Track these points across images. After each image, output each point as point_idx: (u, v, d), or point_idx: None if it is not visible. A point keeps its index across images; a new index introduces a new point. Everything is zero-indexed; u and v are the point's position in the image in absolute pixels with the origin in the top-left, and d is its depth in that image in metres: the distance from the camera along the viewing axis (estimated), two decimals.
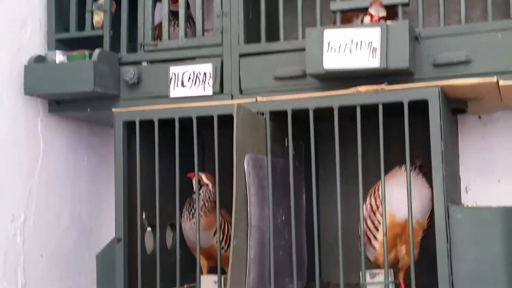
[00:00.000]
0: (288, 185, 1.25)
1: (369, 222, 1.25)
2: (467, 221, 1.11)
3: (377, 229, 1.23)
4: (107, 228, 1.62)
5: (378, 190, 1.21)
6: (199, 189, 1.42)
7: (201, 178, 1.43)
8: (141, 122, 1.35)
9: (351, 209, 1.50)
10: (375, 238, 1.24)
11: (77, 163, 1.62)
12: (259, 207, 1.21)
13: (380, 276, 1.19)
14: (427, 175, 1.20)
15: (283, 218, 1.30)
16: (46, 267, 1.50)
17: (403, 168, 1.22)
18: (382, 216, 1.16)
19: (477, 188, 1.47)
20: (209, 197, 1.42)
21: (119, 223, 1.35)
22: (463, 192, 1.48)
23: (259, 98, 1.27)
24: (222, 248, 1.38)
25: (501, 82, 1.14)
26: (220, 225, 1.35)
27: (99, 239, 1.62)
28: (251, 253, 1.17)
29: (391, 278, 1.19)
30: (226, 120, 1.24)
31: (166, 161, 1.38)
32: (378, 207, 1.22)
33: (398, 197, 1.19)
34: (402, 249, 1.25)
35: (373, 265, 1.28)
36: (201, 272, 1.40)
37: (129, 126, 1.37)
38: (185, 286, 1.50)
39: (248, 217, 1.18)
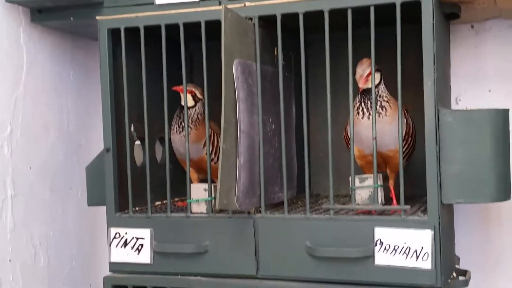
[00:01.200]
0: (278, 94, 1.24)
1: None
2: (457, 123, 1.11)
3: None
4: (96, 144, 1.62)
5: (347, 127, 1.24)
6: (195, 105, 1.40)
7: (195, 93, 1.41)
8: (127, 30, 1.32)
9: (342, 121, 1.50)
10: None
11: (62, 76, 1.60)
12: (248, 114, 1.20)
13: (369, 180, 1.20)
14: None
15: (273, 126, 1.29)
16: (35, 180, 1.50)
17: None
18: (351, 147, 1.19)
19: (467, 99, 1.46)
20: (202, 112, 1.40)
21: (107, 134, 1.34)
22: (454, 103, 1.47)
23: (248, 3, 1.24)
24: (212, 160, 1.38)
25: None
26: (210, 137, 1.35)
27: (89, 154, 1.62)
28: (240, 158, 1.17)
29: (379, 182, 1.20)
30: (214, 31, 1.21)
31: (154, 75, 1.35)
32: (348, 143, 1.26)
33: (365, 135, 1.19)
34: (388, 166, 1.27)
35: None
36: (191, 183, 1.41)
37: (114, 34, 1.34)
38: (176, 199, 1.51)
39: (237, 123, 1.17)
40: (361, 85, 1.20)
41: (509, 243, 1.44)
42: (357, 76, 1.21)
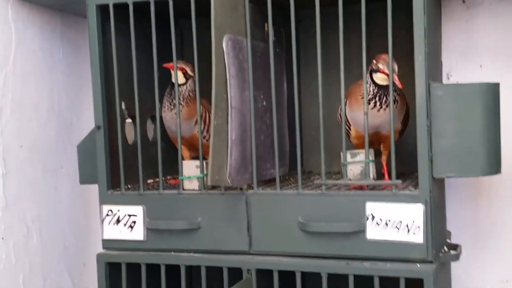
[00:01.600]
0: (269, 70, 1.23)
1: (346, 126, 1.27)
2: (447, 98, 1.11)
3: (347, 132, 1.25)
4: (88, 123, 1.61)
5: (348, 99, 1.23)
6: (186, 82, 1.39)
7: (186, 70, 1.40)
8: (115, 6, 1.30)
9: (333, 99, 1.49)
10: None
11: (52, 54, 1.58)
12: (239, 90, 1.19)
13: (361, 155, 1.20)
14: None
15: (264, 103, 1.29)
16: (26, 159, 1.49)
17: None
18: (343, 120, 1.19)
19: (458, 74, 1.46)
20: (193, 89, 1.39)
21: (97, 111, 1.33)
22: (445, 78, 1.47)
23: None
24: (204, 137, 1.38)
25: None
26: (201, 115, 1.34)
27: (80, 133, 1.61)
28: (232, 134, 1.17)
29: (371, 158, 1.20)
30: (204, 7, 1.20)
31: (144, 52, 1.35)
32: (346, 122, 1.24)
33: (359, 117, 1.20)
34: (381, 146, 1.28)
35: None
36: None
37: (102, 10, 1.32)
38: (168, 177, 1.51)
39: (228, 99, 1.16)
40: (399, 85, 1.15)
41: (500, 218, 1.45)
42: (387, 71, 1.16)
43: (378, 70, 1.18)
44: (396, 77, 1.14)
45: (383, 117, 1.19)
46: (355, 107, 1.22)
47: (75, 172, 1.61)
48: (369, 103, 1.18)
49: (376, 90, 1.19)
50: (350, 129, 1.25)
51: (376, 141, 1.26)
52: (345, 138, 1.20)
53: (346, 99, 1.24)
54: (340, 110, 1.29)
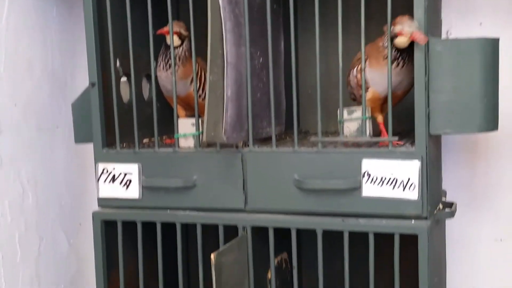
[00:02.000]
0: (266, 27, 1.21)
1: (355, 91, 1.26)
2: (446, 53, 1.09)
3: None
4: (82, 83, 1.59)
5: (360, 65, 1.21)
6: (181, 44, 1.37)
7: (180, 32, 1.38)
8: None
9: (331, 57, 1.48)
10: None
11: (46, 12, 1.56)
12: (235, 45, 1.18)
13: (357, 112, 1.19)
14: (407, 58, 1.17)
15: (261, 60, 1.27)
16: (21, 117, 1.48)
17: (385, 40, 1.17)
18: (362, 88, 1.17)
19: (458, 32, 1.44)
20: (189, 48, 1.37)
21: (92, 68, 1.32)
22: (444, 36, 1.45)
23: None
24: (199, 96, 1.37)
25: None
26: (197, 73, 1.33)
27: (75, 93, 1.59)
28: (228, 90, 1.16)
29: (368, 114, 1.19)
30: None
31: (139, 9, 1.32)
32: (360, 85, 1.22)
33: (380, 79, 1.18)
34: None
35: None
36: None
37: None
38: (164, 136, 1.50)
39: (224, 54, 1.15)
40: (423, 41, 1.10)
41: (495, 178, 1.45)
42: (406, 32, 1.12)
43: (396, 35, 1.15)
44: (418, 34, 1.09)
45: (402, 75, 1.18)
46: (376, 67, 1.19)
47: (70, 133, 1.60)
48: (392, 63, 1.16)
49: (398, 53, 1.16)
50: (366, 91, 1.22)
51: (384, 103, 1.24)
52: (342, 95, 1.18)
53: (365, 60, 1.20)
54: (351, 72, 1.26)
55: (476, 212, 1.46)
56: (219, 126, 1.15)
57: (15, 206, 1.47)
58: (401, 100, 1.25)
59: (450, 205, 1.27)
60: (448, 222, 1.44)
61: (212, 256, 1.10)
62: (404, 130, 1.37)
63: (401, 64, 1.17)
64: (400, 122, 1.35)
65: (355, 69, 1.25)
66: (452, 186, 1.45)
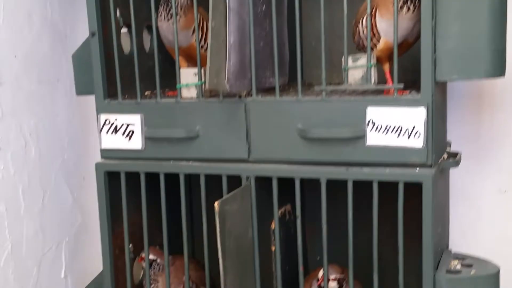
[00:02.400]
0: None
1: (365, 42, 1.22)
2: None
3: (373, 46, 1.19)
4: (83, 35, 1.56)
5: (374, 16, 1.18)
6: None
7: None
8: None
9: (335, 8, 1.45)
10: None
11: None
12: None
13: (362, 59, 1.17)
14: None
15: (264, 8, 1.25)
16: (21, 69, 1.46)
17: None
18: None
19: None
20: None
21: (92, 17, 1.29)
22: None
23: None
24: (202, 47, 1.34)
25: None
26: (199, 23, 1.30)
27: (75, 46, 1.57)
28: (230, 38, 1.14)
29: (373, 61, 1.17)
30: None
31: None
32: (374, 34, 1.18)
33: (402, 28, 1.15)
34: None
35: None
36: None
37: None
38: (166, 89, 1.49)
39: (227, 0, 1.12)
40: None
41: (501, 129, 1.44)
42: None
43: None
44: None
45: (414, 20, 1.14)
46: (387, 16, 1.16)
47: (71, 86, 1.59)
48: (401, 9, 1.14)
49: None
50: (378, 41, 1.19)
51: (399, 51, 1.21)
52: (347, 42, 1.16)
53: (374, 9, 1.18)
54: (361, 22, 1.23)
55: (480, 163, 1.46)
56: (221, 74, 1.14)
57: (18, 159, 1.46)
58: (409, 48, 1.23)
59: (455, 155, 1.26)
60: (452, 173, 1.44)
61: (216, 204, 1.10)
62: (409, 80, 1.35)
63: (411, 8, 1.14)
64: (405, 72, 1.33)
65: (364, 18, 1.21)
66: (457, 137, 1.44)
